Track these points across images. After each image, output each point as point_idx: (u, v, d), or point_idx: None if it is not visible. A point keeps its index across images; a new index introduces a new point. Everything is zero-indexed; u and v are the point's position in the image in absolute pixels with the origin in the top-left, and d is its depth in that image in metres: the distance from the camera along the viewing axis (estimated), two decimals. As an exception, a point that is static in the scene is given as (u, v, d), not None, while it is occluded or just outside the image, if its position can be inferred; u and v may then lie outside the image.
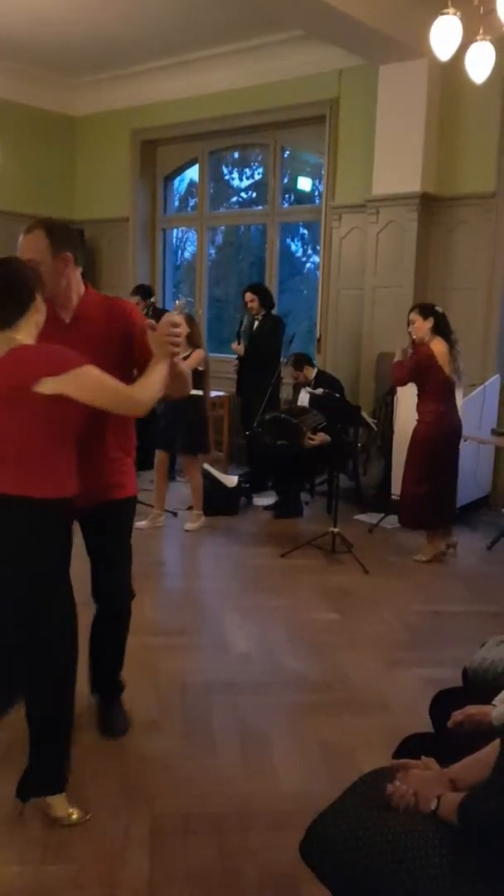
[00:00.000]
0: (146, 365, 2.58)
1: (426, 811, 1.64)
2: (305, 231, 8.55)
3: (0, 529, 2.36)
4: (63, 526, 2.46)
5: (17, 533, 2.35)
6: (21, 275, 2.40)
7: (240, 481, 6.36)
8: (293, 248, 8.72)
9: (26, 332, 2.40)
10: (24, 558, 2.36)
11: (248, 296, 6.90)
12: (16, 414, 2.30)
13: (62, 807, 2.51)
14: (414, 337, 5.08)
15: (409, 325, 5.13)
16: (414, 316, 5.09)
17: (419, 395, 5.17)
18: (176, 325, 2.54)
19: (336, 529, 5.25)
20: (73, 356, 2.34)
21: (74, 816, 2.51)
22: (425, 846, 1.57)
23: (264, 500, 6.53)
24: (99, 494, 2.76)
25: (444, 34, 3.97)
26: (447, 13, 3.94)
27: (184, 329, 2.64)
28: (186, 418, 5.57)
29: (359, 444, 6.41)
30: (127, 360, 2.71)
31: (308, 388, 6.07)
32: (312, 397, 5.88)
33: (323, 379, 6.22)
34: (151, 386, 2.50)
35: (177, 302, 2.77)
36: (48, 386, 2.27)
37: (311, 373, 6.34)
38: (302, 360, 6.37)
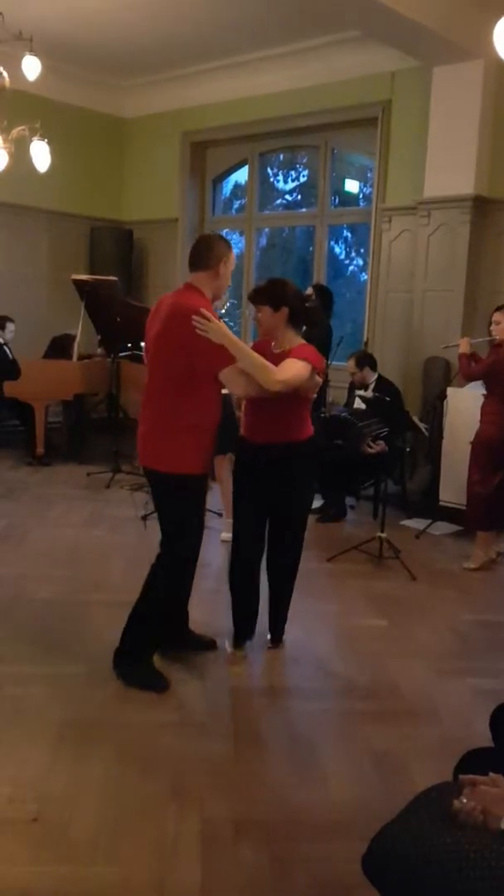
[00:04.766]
0: None
1: (495, 830, 1.60)
2: (349, 233, 8.48)
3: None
4: None
5: None
6: None
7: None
8: (336, 250, 8.65)
9: None
10: None
11: (309, 290, 6.88)
12: None
13: None
14: (496, 337, 5.06)
15: (490, 324, 5.13)
16: (499, 316, 5.05)
17: (486, 395, 5.13)
18: None
19: (383, 535, 5.19)
20: None
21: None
22: (496, 866, 1.52)
23: (309, 503, 6.46)
24: None
25: (508, 35, 3.89)
26: (511, 13, 3.86)
27: None
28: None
29: (407, 449, 6.32)
30: None
31: (360, 392, 5.99)
32: (363, 399, 5.82)
33: (382, 385, 6.08)
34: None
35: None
36: None
37: (371, 376, 6.15)
38: (365, 360, 6.20)
